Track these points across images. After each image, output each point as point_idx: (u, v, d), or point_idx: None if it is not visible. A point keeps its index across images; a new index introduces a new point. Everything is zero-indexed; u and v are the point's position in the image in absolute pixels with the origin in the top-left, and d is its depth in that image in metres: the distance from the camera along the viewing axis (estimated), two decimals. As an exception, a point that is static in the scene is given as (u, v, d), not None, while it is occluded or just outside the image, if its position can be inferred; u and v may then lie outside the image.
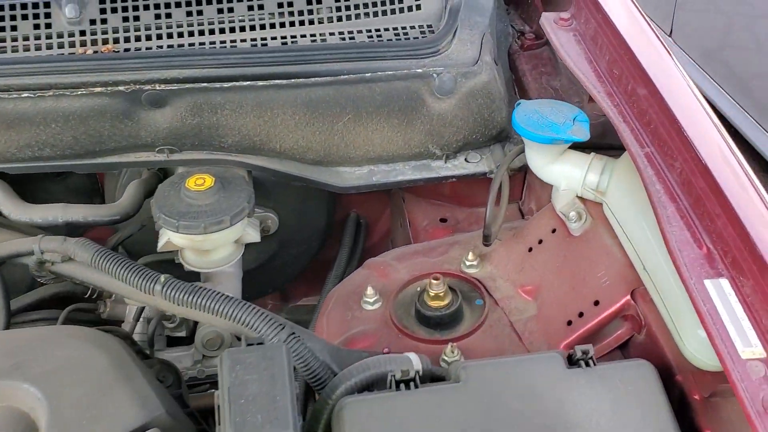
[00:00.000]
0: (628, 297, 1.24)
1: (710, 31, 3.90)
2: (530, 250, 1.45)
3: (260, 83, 1.40)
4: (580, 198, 1.39)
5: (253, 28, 1.49)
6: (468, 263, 1.48)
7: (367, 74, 1.44)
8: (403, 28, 1.56)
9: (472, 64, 1.50)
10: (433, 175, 1.56)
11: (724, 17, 3.78)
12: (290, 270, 1.88)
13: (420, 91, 1.48)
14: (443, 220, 1.74)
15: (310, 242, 1.83)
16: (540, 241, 1.44)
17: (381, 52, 1.46)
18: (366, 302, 1.43)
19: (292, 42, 1.50)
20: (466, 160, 1.58)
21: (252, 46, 1.48)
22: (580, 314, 1.29)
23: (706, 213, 1.11)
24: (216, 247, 1.35)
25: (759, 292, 1.02)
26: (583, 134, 1.31)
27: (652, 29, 1.47)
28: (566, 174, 1.38)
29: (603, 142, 1.45)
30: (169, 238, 1.35)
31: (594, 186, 1.35)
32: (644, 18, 1.51)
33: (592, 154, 1.38)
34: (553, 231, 1.43)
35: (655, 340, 1.20)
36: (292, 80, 1.41)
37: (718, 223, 1.09)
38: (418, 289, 1.42)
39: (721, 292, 1.04)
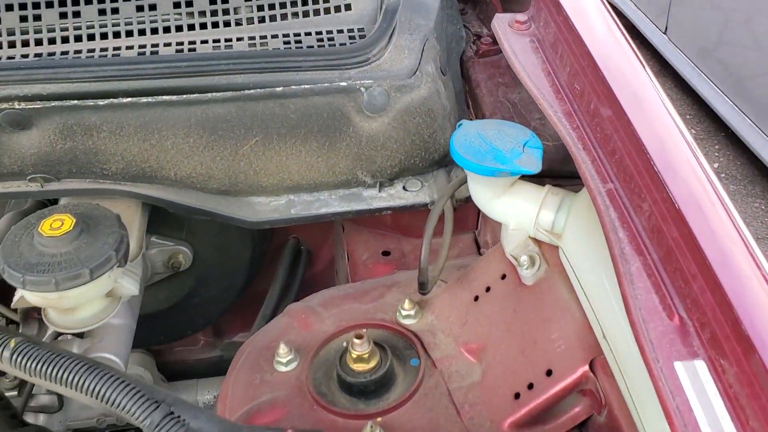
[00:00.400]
0: (586, 368, 1.02)
1: (707, 28, 3.81)
2: (476, 299, 1.22)
3: (144, 100, 1.15)
4: (535, 239, 1.15)
5: (142, 32, 1.24)
6: (404, 313, 1.26)
7: (277, 89, 1.19)
8: (329, 32, 1.32)
9: (409, 75, 1.25)
10: (364, 206, 1.32)
11: (721, 14, 3.68)
12: (212, 309, 1.64)
13: (345, 108, 1.23)
14: (386, 254, 1.51)
15: (234, 277, 1.59)
16: (488, 289, 1.21)
17: (297, 61, 1.21)
18: (278, 362, 1.20)
19: (189, 49, 1.25)
20: (404, 188, 1.34)
21: (139, 54, 1.23)
22: (530, 386, 1.06)
23: (679, 271, 0.89)
24: (79, 305, 1.11)
25: (745, 382, 0.78)
26: (533, 165, 1.07)
27: (624, 34, 1.22)
28: (516, 210, 1.14)
29: (564, 170, 1.22)
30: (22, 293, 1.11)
31: (548, 226, 1.11)
32: (615, 21, 1.26)
33: (548, 186, 1.14)
34: (503, 277, 1.20)
35: (618, 426, 0.97)
36: (184, 96, 1.16)
37: (695, 285, 0.86)
38: (344, 344, 1.20)
39: (696, 380, 0.81)
